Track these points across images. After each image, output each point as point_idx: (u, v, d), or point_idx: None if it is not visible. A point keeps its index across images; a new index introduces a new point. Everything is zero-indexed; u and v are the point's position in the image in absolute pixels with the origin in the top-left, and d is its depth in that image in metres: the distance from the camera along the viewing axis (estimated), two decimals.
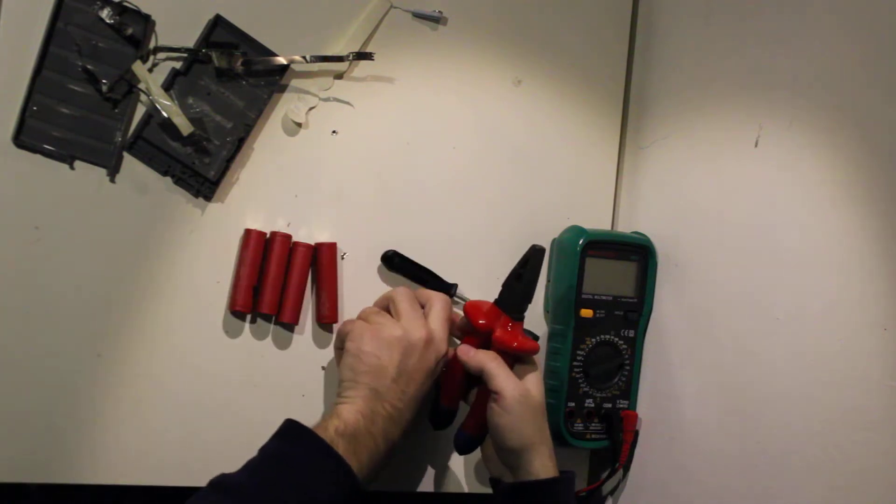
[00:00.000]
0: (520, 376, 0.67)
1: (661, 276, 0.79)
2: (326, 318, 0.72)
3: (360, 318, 0.69)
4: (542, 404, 0.67)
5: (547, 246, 0.81)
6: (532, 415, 0.66)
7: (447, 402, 0.71)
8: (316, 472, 0.57)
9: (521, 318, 0.69)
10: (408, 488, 0.77)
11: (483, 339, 0.70)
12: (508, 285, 0.69)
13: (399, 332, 0.66)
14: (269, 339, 0.72)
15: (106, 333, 0.67)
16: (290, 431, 0.60)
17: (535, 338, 0.69)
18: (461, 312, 0.73)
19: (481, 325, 0.69)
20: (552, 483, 0.65)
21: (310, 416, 0.73)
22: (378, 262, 0.75)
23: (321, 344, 0.74)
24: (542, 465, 0.65)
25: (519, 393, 0.65)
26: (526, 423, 0.65)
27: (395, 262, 0.75)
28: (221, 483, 0.55)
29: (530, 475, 0.65)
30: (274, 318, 0.72)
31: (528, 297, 0.69)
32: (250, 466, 0.57)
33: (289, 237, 0.71)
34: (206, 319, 0.70)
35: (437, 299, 0.70)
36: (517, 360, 0.69)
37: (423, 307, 0.70)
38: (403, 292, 0.70)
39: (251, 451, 0.70)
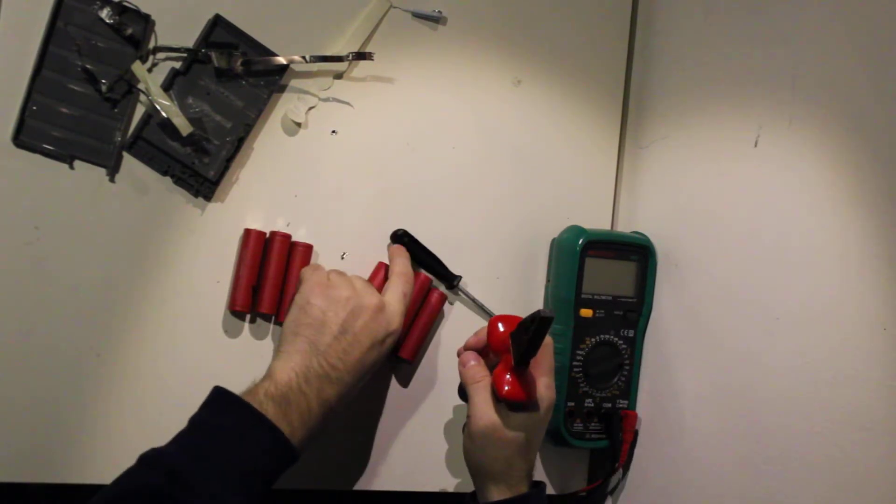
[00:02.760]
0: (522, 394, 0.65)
1: (661, 276, 0.79)
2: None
3: (318, 271, 0.67)
4: (517, 439, 0.64)
5: (547, 246, 0.81)
6: (497, 449, 0.64)
7: (507, 393, 0.66)
8: (245, 441, 0.56)
9: (523, 368, 0.65)
10: (408, 488, 0.77)
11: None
12: (517, 335, 0.64)
13: (349, 292, 0.64)
14: (268, 339, 0.72)
15: (106, 333, 0.67)
16: (218, 400, 0.58)
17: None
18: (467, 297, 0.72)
19: (491, 346, 0.67)
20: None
21: None
22: (377, 261, 0.75)
23: None
24: (500, 494, 0.64)
25: (484, 424, 0.64)
26: (486, 456, 0.64)
27: (404, 242, 0.75)
28: (150, 457, 0.54)
29: (485, 500, 0.65)
30: (273, 318, 0.72)
31: (525, 357, 0.64)
32: (179, 439, 0.56)
33: (288, 237, 0.71)
34: (205, 319, 0.70)
35: (398, 276, 0.69)
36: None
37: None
38: (357, 276, 0.69)
39: None
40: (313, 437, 0.61)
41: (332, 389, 0.61)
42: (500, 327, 0.67)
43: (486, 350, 0.70)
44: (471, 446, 0.66)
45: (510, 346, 0.65)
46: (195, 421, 0.58)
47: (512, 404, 0.65)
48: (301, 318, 0.63)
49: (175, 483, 0.52)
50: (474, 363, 0.69)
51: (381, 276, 0.74)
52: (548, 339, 0.68)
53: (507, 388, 0.64)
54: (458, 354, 0.71)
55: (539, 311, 0.61)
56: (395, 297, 0.67)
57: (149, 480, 0.53)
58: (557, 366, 0.77)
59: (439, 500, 0.79)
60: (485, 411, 0.65)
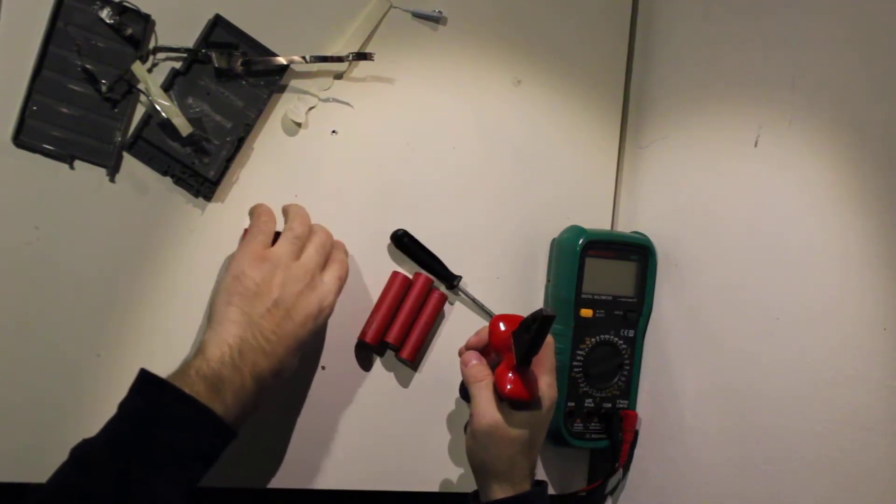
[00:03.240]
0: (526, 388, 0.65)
1: (661, 276, 0.79)
2: None
3: (260, 233, 0.65)
4: (520, 437, 0.64)
5: (547, 246, 0.81)
6: (500, 448, 0.64)
7: (510, 391, 0.66)
8: (177, 424, 0.54)
9: (525, 368, 0.66)
10: (409, 488, 0.77)
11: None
12: (519, 333, 0.64)
13: (283, 266, 0.62)
14: None
15: (106, 333, 0.67)
16: (145, 384, 0.56)
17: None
18: (469, 299, 0.73)
19: (493, 345, 0.68)
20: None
21: (310, 416, 0.73)
22: (377, 262, 0.75)
23: (320, 343, 0.74)
24: (496, 495, 0.64)
25: (487, 423, 0.64)
26: (489, 455, 0.65)
27: (404, 242, 0.75)
28: (80, 453, 0.53)
29: (488, 499, 0.65)
30: None
31: (527, 356, 0.64)
32: (109, 427, 0.54)
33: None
34: (205, 319, 0.70)
35: (337, 260, 0.67)
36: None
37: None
38: (320, 234, 0.66)
39: (251, 451, 0.71)
40: (248, 413, 0.59)
41: (266, 363, 0.59)
42: (502, 326, 0.67)
43: (488, 349, 0.70)
44: (474, 445, 0.66)
45: (512, 345, 0.65)
46: (123, 406, 0.56)
47: (515, 402, 0.65)
48: (233, 287, 0.61)
49: (103, 481, 0.52)
50: (476, 362, 0.69)
51: (395, 285, 0.74)
52: (549, 338, 0.68)
53: (509, 386, 0.64)
54: (460, 354, 0.71)
55: (541, 310, 0.61)
56: (331, 278, 0.65)
57: (78, 480, 0.52)
58: (558, 365, 0.77)
59: (440, 500, 0.79)
60: (487, 410, 0.65)
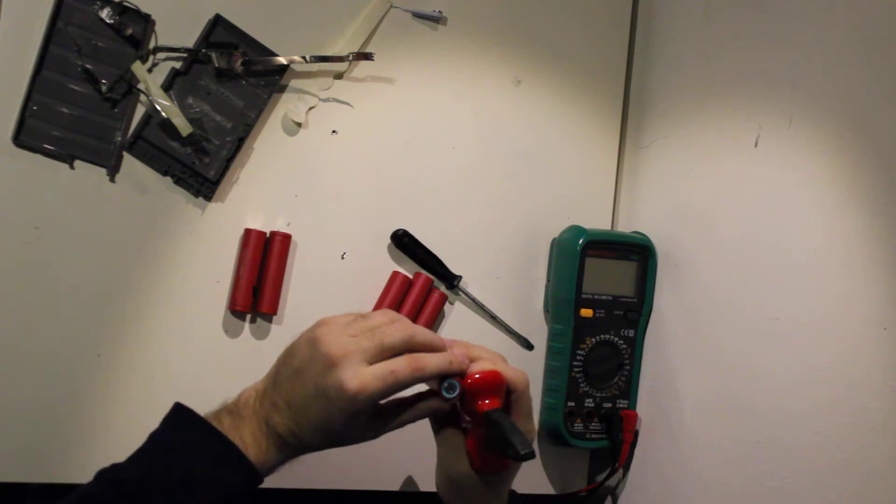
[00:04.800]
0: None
1: (661, 275, 0.79)
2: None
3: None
4: (489, 487, 0.60)
5: (547, 246, 0.81)
6: (468, 496, 0.61)
7: (478, 466, 0.61)
8: (201, 455, 0.54)
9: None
10: (409, 488, 0.77)
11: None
12: (493, 426, 0.55)
13: (321, 335, 0.56)
14: (269, 339, 0.72)
15: (106, 333, 0.67)
16: (175, 415, 0.57)
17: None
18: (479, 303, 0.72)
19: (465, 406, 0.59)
20: None
21: None
22: (377, 262, 0.75)
23: None
24: None
25: (452, 476, 0.62)
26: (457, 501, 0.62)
27: (404, 242, 0.75)
28: (109, 475, 0.54)
29: None
30: (273, 318, 0.72)
31: (496, 450, 0.56)
32: (138, 454, 0.55)
33: (288, 237, 0.71)
34: (206, 319, 0.70)
35: (407, 357, 0.56)
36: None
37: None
38: (416, 331, 0.57)
39: None
40: (265, 459, 0.57)
41: (278, 418, 0.56)
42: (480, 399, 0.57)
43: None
44: (445, 496, 0.64)
45: (484, 422, 0.56)
46: (154, 436, 0.57)
47: (486, 476, 0.60)
48: (285, 352, 0.59)
49: (128, 499, 0.52)
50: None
51: (395, 285, 0.74)
52: (523, 377, 0.59)
53: (482, 462, 0.59)
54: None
55: (519, 449, 0.52)
56: (382, 366, 0.55)
57: (104, 496, 0.52)
58: (558, 366, 0.78)
59: (440, 500, 0.78)
60: (453, 462, 0.61)
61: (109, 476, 0.53)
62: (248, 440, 0.56)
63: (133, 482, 0.53)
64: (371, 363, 0.55)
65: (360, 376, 0.54)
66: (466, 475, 0.60)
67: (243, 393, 0.59)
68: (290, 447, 0.58)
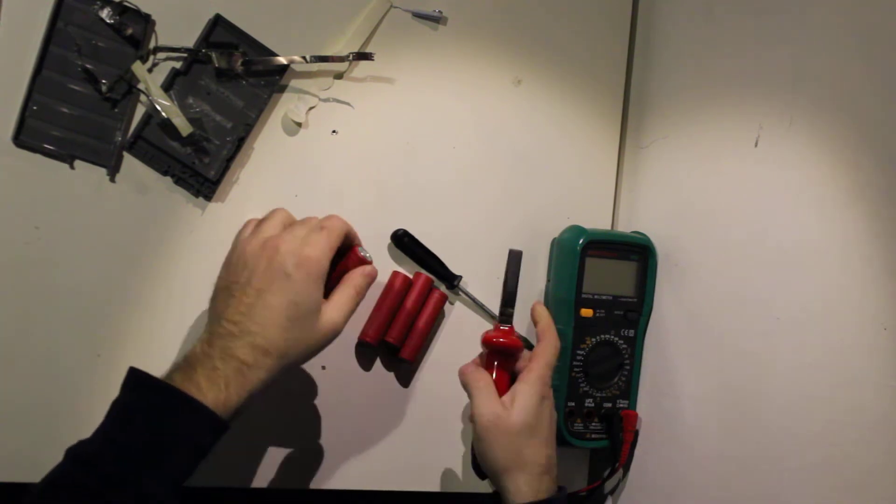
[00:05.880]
0: (512, 392, 0.67)
1: (661, 275, 0.79)
2: None
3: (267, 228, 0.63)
4: (522, 424, 0.65)
5: (547, 246, 0.81)
6: (506, 439, 0.65)
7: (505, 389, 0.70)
8: (160, 413, 0.55)
9: (505, 320, 0.72)
10: (409, 488, 0.77)
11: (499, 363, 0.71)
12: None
13: (249, 241, 0.61)
14: None
15: (106, 333, 0.67)
16: (131, 380, 0.58)
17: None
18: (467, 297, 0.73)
19: (484, 340, 0.72)
20: None
21: (310, 416, 0.73)
22: (377, 262, 0.75)
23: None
24: (518, 491, 0.64)
25: (488, 418, 0.65)
26: (497, 449, 0.65)
27: (404, 242, 0.75)
28: (75, 450, 0.55)
29: (508, 502, 0.65)
30: None
31: (505, 300, 0.72)
32: (102, 426, 0.56)
33: None
34: (205, 319, 0.70)
35: (326, 220, 0.63)
36: (521, 368, 0.70)
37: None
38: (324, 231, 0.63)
39: (251, 451, 0.71)
40: (233, 394, 0.57)
41: (237, 342, 0.57)
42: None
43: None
44: (480, 447, 0.66)
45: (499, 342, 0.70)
46: (113, 404, 0.57)
47: (499, 350, 0.70)
48: (213, 295, 0.62)
49: (96, 471, 0.53)
50: (472, 368, 0.70)
51: (395, 285, 0.74)
52: (553, 339, 0.71)
53: (486, 336, 0.71)
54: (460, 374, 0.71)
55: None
56: (305, 227, 0.62)
57: (72, 473, 0.53)
58: (558, 366, 0.77)
59: (440, 500, 0.79)
60: (488, 402, 0.66)
61: (76, 453, 0.54)
62: (204, 385, 0.56)
63: (98, 456, 0.54)
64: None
65: (311, 239, 0.61)
66: (495, 416, 0.66)
67: (187, 352, 0.59)
68: (254, 364, 0.58)
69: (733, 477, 0.67)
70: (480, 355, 0.73)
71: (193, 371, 0.57)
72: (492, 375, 0.69)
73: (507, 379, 0.70)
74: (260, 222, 0.64)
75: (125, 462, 0.53)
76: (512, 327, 0.72)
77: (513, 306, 0.72)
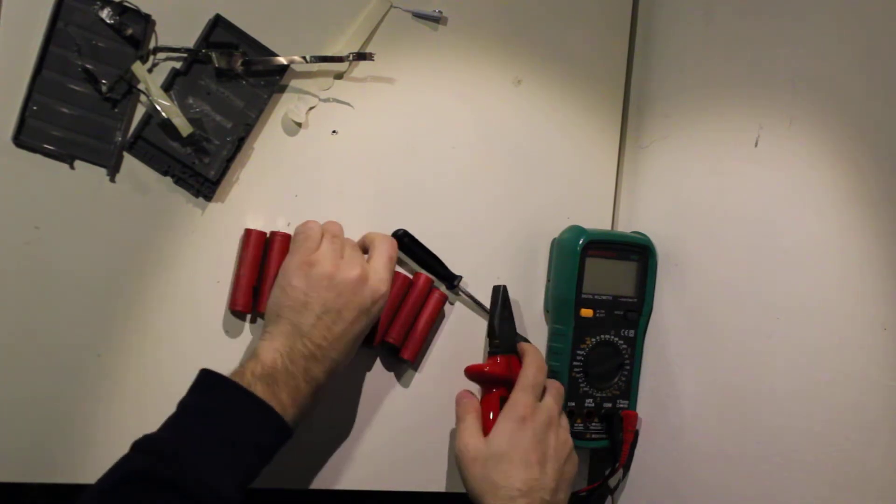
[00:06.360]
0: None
1: (661, 275, 0.79)
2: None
3: (306, 239, 0.66)
4: (493, 453, 0.66)
5: (547, 246, 0.81)
6: (478, 468, 0.65)
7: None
8: (238, 419, 0.57)
9: (494, 352, 0.74)
10: (409, 488, 0.77)
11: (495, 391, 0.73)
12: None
13: (330, 268, 0.64)
14: None
15: (106, 333, 0.67)
16: (206, 382, 0.59)
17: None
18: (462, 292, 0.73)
19: (468, 372, 0.74)
20: None
21: (311, 417, 0.73)
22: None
23: None
24: None
25: (465, 451, 0.67)
26: (471, 479, 0.66)
27: (404, 242, 0.75)
28: (143, 443, 0.55)
29: None
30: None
31: (491, 331, 0.74)
32: (172, 423, 0.56)
33: (289, 237, 0.71)
34: (206, 319, 0.70)
35: (381, 240, 0.70)
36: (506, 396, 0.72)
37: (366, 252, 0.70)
38: (349, 240, 0.70)
39: None
40: (305, 413, 0.62)
41: (318, 367, 0.62)
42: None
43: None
44: (461, 476, 0.67)
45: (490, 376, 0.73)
46: (184, 404, 0.58)
47: (474, 377, 0.73)
48: (282, 300, 0.63)
49: (168, 465, 0.53)
50: (466, 398, 0.72)
51: (395, 285, 0.74)
52: (532, 360, 0.72)
53: (487, 368, 0.72)
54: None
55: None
56: (381, 262, 0.67)
57: (143, 465, 0.53)
58: (558, 366, 0.78)
59: (439, 499, 0.79)
60: (465, 439, 0.68)
61: (146, 447, 0.54)
62: (286, 401, 0.59)
63: (174, 450, 0.54)
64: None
65: (380, 276, 0.66)
66: (474, 448, 0.67)
67: (262, 356, 0.60)
68: (324, 387, 0.63)
69: (733, 477, 0.67)
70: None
71: (277, 386, 0.59)
72: (490, 401, 0.72)
73: (498, 407, 0.71)
74: (332, 237, 0.68)
75: (198, 455, 0.54)
76: (496, 357, 0.73)
77: (498, 338, 0.73)
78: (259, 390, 0.58)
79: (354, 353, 0.67)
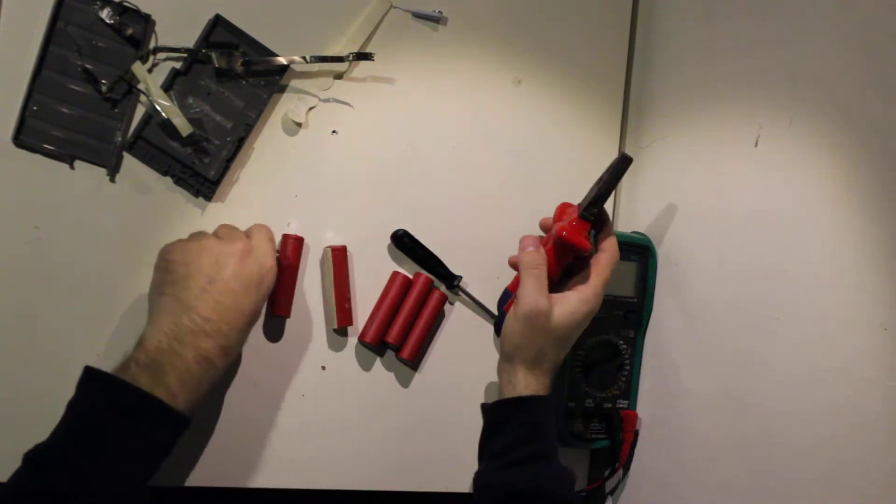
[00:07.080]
0: (564, 296, 0.67)
1: (661, 275, 0.79)
2: (278, 310, 0.71)
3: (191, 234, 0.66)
4: (558, 330, 0.66)
5: None
6: (534, 333, 0.65)
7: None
8: (124, 417, 0.54)
9: (587, 218, 0.68)
10: (409, 488, 0.77)
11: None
12: (591, 189, 0.68)
13: (211, 241, 0.62)
14: (268, 339, 0.72)
15: (106, 333, 0.67)
16: (90, 380, 0.56)
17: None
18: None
19: (557, 215, 0.71)
20: (526, 400, 0.65)
21: (311, 417, 0.73)
22: (377, 262, 0.75)
23: (321, 343, 0.74)
24: (526, 382, 0.66)
25: (530, 308, 0.65)
26: (523, 337, 0.65)
27: (404, 242, 0.75)
28: (35, 458, 0.53)
29: (512, 389, 0.66)
30: (270, 313, 0.72)
31: (597, 198, 0.67)
32: (62, 428, 0.55)
33: (301, 239, 0.71)
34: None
35: (256, 226, 0.68)
36: (574, 271, 0.69)
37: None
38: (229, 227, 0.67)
39: (251, 451, 0.71)
40: (200, 395, 0.59)
41: (209, 342, 0.58)
42: (566, 205, 0.71)
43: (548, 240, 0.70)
44: (514, 327, 0.66)
45: (575, 209, 0.69)
46: (71, 404, 0.56)
47: (566, 247, 0.67)
48: (163, 278, 0.61)
49: (59, 478, 0.52)
50: (532, 249, 0.68)
51: (395, 285, 0.74)
52: (615, 251, 0.69)
53: (565, 232, 0.66)
54: (521, 243, 0.70)
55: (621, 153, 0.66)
56: (261, 238, 0.65)
57: (33, 479, 0.52)
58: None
59: (439, 499, 0.79)
60: (535, 297, 0.65)
61: (36, 460, 0.53)
62: (176, 388, 0.56)
63: (60, 457, 0.52)
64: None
65: (263, 250, 0.64)
66: (539, 311, 0.65)
67: (146, 341, 0.58)
68: (218, 368, 0.59)
69: (733, 476, 0.67)
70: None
71: (163, 373, 0.56)
72: (551, 260, 0.68)
73: (561, 268, 0.69)
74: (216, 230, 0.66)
75: (88, 461, 0.53)
76: (588, 224, 0.68)
77: (598, 208, 0.68)
78: (143, 382, 0.55)
79: (248, 334, 0.63)
